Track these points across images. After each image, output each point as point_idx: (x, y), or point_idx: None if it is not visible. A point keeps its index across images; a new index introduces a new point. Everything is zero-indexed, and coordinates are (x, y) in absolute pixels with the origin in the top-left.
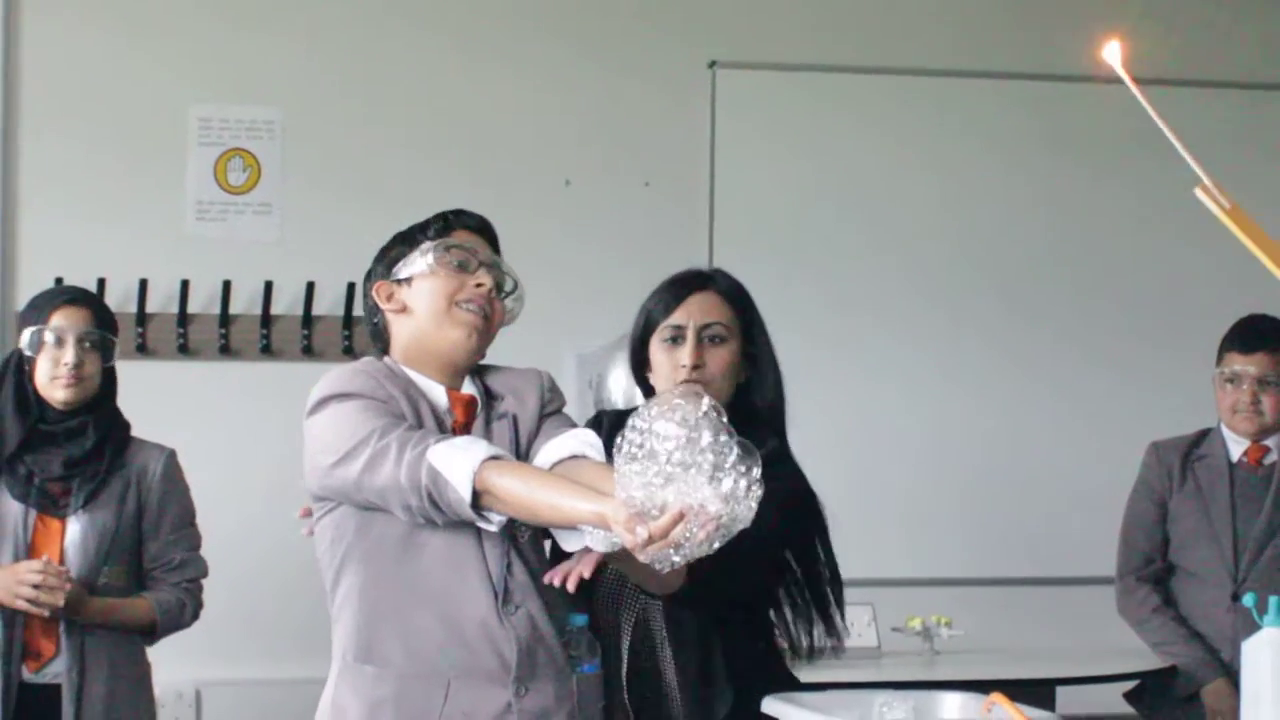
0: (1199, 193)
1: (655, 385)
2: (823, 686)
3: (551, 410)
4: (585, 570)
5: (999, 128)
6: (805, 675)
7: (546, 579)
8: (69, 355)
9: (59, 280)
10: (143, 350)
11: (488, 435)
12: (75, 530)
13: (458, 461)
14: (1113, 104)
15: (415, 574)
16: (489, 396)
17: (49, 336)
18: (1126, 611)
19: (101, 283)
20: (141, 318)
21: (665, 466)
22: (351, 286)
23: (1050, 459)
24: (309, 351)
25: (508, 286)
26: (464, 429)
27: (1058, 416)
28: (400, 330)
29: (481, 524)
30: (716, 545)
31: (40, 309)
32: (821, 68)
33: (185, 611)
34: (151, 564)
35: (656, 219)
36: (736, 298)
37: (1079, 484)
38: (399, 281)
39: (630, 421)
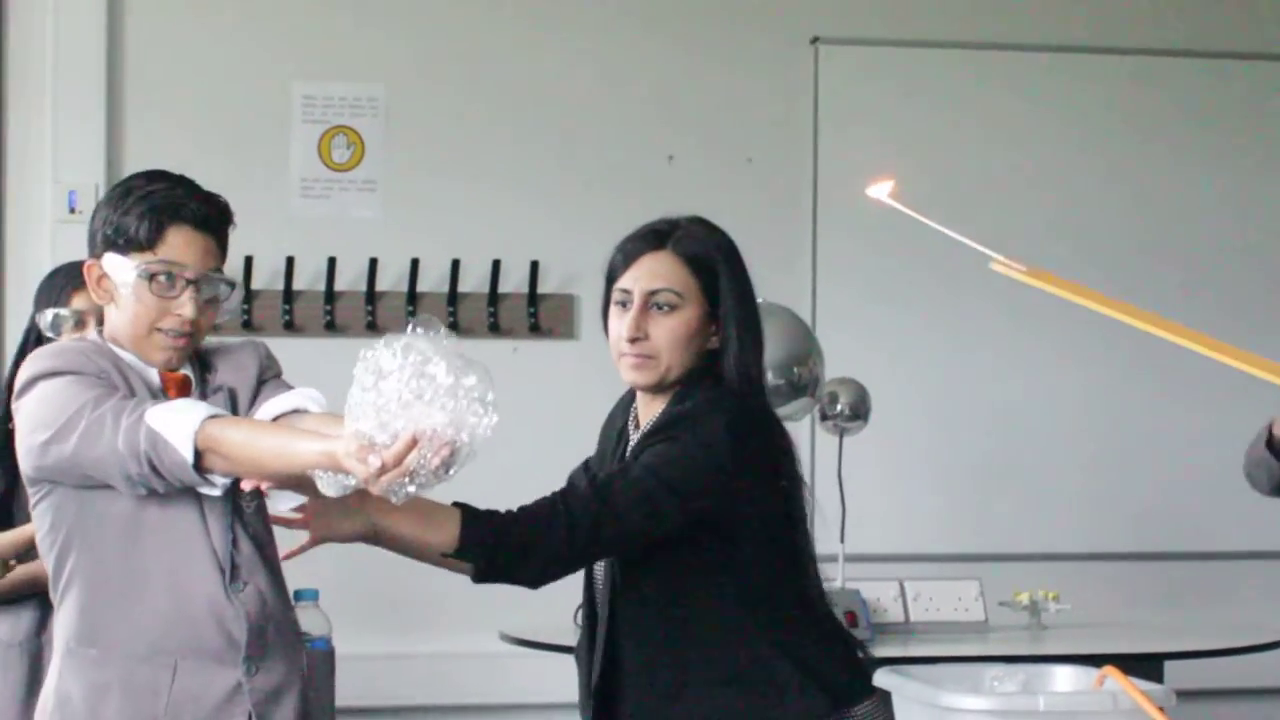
0: (995, 266)
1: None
2: (932, 660)
3: (270, 377)
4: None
5: (1106, 102)
6: (912, 650)
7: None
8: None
9: None
10: (249, 327)
11: None
12: None
13: (177, 422)
14: (1230, 78)
15: (140, 554)
16: (205, 371)
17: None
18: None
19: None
20: (248, 295)
21: (396, 394)
22: (456, 263)
23: (1159, 433)
24: None
25: (223, 295)
26: None
27: (1167, 390)
28: (109, 317)
29: (205, 488)
30: (452, 473)
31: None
32: (925, 43)
33: None
34: None
35: (760, 195)
36: (697, 259)
37: (1187, 459)
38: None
39: (361, 354)
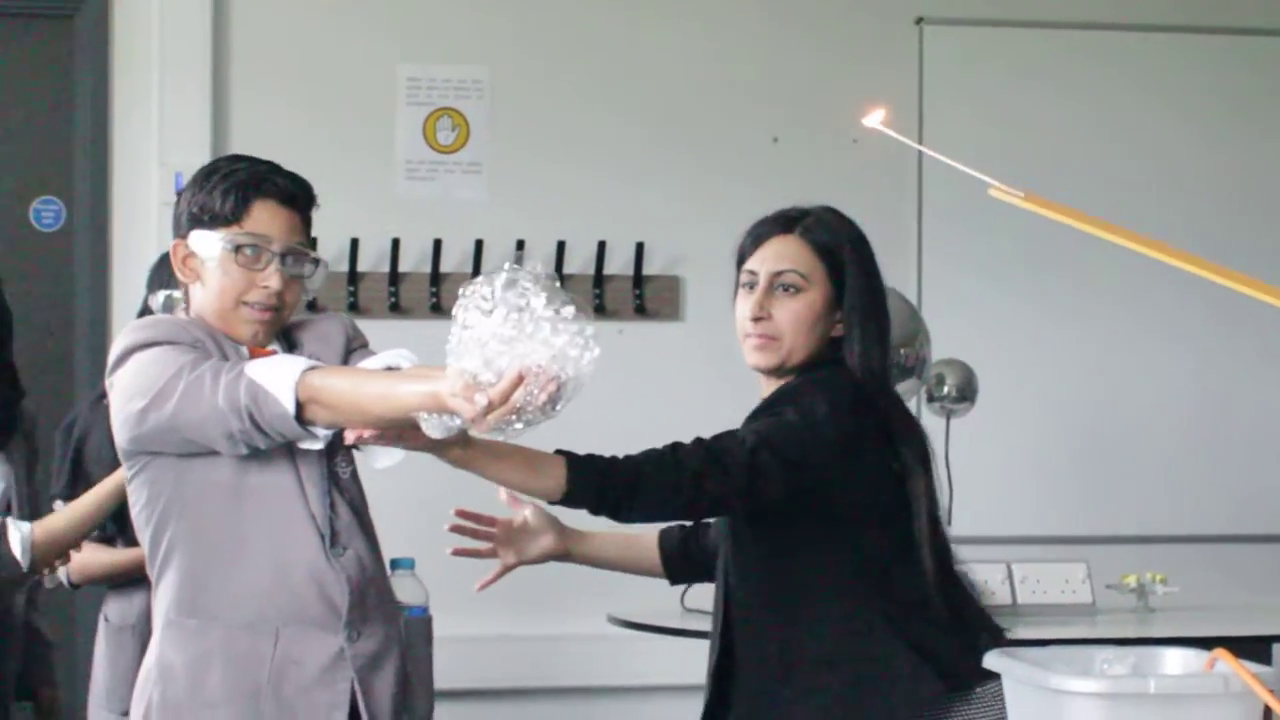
0: (993, 193)
1: None
2: (1040, 643)
3: (356, 346)
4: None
5: (1212, 82)
6: (1020, 632)
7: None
8: None
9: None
10: (354, 309)
11: None
12: None
13: (278, 374)
14: None
15: (240, 521)
16: (291, 347)
17: None
18: None
19: (313, 242)
20: (354, 276)
21: (499, 331)
22: (561, 245)
23: (1266, 414)
24: None
25: (307, 273)
26: None
27: (1274, 371)
28: (195, 298)
29: (306, 442)
30: (559, 408)
31: None
32: (1030, 23)
33: None
34: None
35: (864, 176)
36: (825, 246)
37: None
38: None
39: (460, 292)
